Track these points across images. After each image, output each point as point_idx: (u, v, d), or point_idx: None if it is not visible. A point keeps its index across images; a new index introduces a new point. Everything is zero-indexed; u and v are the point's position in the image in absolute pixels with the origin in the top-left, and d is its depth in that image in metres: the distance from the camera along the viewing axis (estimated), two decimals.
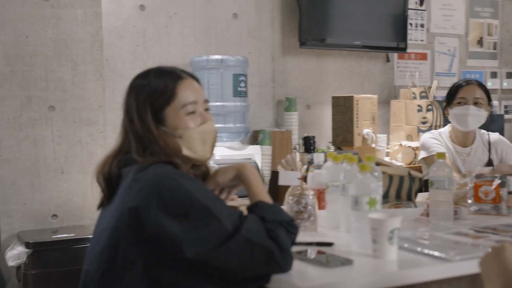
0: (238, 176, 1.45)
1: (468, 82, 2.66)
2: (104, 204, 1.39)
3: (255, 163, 2.95)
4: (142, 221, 1.20)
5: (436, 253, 1.38)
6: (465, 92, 2.62)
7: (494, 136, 2.75)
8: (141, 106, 1.35)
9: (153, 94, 1.36)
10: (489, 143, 2.70)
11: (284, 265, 1.24)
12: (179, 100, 1.37)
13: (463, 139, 2.69)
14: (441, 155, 1.81)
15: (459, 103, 2.61)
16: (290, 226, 1.31)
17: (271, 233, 1.25)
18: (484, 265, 1.05)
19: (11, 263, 2.64)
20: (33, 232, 2.87)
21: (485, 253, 1.07)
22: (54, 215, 3.02)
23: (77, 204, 3.07)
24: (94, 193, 3.06)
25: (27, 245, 2.68)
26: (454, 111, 2.62)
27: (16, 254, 2.68)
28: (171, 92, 1.37)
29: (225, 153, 3.09)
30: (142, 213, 1.21)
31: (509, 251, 1.01)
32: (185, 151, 1.37)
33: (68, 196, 3.05)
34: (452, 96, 2.66)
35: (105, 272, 1.25)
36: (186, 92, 1.39)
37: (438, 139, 2.69)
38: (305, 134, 3.75)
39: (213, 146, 1.44)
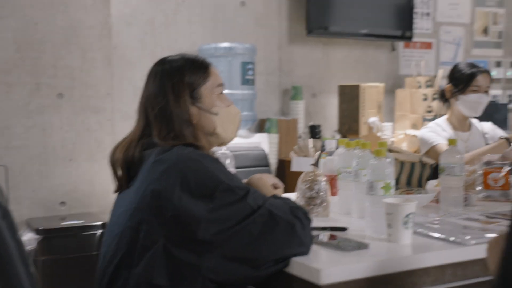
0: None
1: (481, 71, 2.67)
2: (122, 188, 1.40)
3: (263, 150, 2.96)
4: (165, 202, 1.22)
5: (451, 238, 1.40)
6: (481, 81, 2.65)
7: (488, 124, 2.80)
8: (177, 85, 1.37)
9: (190, 73, 1.39)
10: (483, 131, 2.76)
11: (305, 240, 1.26)
12: (213, 80, 1.42)
13: (462, 125, 2.74)
14: (452, 142, 1.83)
15: (475, 91, 2.63)
16: (307, 216, 1.33)
17: (293, 210, 1.28)
18: (489, 253, 1.05)
19: None
20: (41, 219, 2.89)
21: (489, 241, 1.07)
22: (62, 202, 3.04)
23: (85, 192, 3.09)
24: (102, 181, 3.08)
25: (37, 231, 2.71)
26: (468, 98, 2.64)
27: (26, 241, 2.70)
28: (206, 72, 1.42)
29: (233, 140, 3.10)
30: (165, 194, 1.22)
31: (495, 246, 1.00)
32: (219, 129, 1.42)
33: (76, 183, 3.07)
34: (467, 83, 2.65)
35: (125, 254, 1.27)
36: (216, 74, 1.45)
37: (435, 131, 2.71)
38: (311, 123, 3.77)
39: (238, 128, 1.49)
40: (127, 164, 1.37)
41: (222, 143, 1.48)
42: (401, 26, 4.04)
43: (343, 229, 1.53)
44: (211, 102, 1.42)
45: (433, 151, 2.61)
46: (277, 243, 1.24)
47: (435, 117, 3.76)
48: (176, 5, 3.38)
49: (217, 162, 1.31)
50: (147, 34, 3.28)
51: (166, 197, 1.22)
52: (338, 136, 3.69)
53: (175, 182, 1.23)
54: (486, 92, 2.65)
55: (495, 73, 4.58)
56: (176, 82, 1.38)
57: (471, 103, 2.63)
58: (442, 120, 2.77)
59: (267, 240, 1.23)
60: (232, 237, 1.21)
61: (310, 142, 1.74)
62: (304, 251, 1.27)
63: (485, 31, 4.62)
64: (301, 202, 1.72)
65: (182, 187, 1.22)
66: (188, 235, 1.21)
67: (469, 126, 2.75)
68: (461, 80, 2.67)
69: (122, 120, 3.17)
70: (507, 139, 2.54)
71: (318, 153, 1.75)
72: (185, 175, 1.23)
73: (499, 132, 2.75)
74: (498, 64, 4.67)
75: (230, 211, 1.22)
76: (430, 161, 1.88)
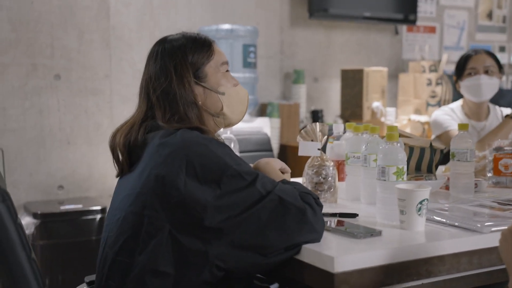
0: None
1: (476, 52, 2.60)
2: (124, 172, 1.35)
3: (266, 135, 2.90)
4: (170, 188, 1.17)
5: (465, 225, 1.35)
6: (475, 62, 2.56)
7: (507, 111, 2.71)
8: (180, 65, 1.31)
9: (193, 51, 1.33)
10: (503, 118, 2.66)
11: (317, 227, 1.21)
12: (218, 57, 1.36)
13: (477, 113, 2.64)
14: (463, 127, 1.77)
15: (470, 73, 2.55)
16: (318, 202, 1.28)
17: (303, 196, 1.23)
18: (501, 251, 1.01)
19: None
20: (39, 203, 2.84)
21: (502, 232, 1.03)
22: (60, 186, 2.99)
23: (83, 176, 3.03)
24: (100, 165, 3.03)
25: (35, 215, 2.66)
26: (465, 83, 2.56)
27: (23, 225, 2.65)
28: (210, 49, 1.36)
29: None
30: (170, 179, 1.17)
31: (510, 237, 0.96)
32: (226, 109, 1.36)
33: (74, 167, 3.01)
34: (462, 67, 2.60)
35: (128, 239, 1.22)
36: (220, 52, 1.39)
37: (450, 115, 2.63)
38: (313, 108, 3.71)
39: (246, 109, 1.43)
40: (128, 148, 1.31)
41: (229, 125, 1.42)
42: (405, 9, 3.96)
43: (353, 215, 1.48)
44: (217, 81, 1.36)
45: (446, 135, 2.53)
46: (288, 229, 1.19)
47: (438, 103, 3.71)
48: None
49: (223, 146, 1.25)
50: (145, 15, 3.20)
51: (171, 183, 1.17)
52: (340, 121, 3.63)
53: (180, 167, 1.17)
54: (487, 73, 2.55)
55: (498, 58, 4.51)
56: (179, 61, 1.32)
57: (469, 87, 2.55)
58: (456, 106, 2.69)
59: (277, 227, 1.18)
60: (240, 224, 1.16)
61: (317, 126, 1.68)
62: (316, 238, 1.22)
63: (489, 15, 4.55)
64: (308, 187, 1.67)
65: (188, 172, 1.17)
66: (195, 221, 1.16)
67: (486, 116, 2.65)
68: (459, 66, 2.61)
69: (121, 103, 3.11)
70: (511, 117, 2.47)
71: (325, 137, 1.69)
72: (191, 159, 1.18)
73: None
74: (502, 49, 4.61)
75: (238, 197, 1.17)
76: (440, 146, 1.83)
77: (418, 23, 4.11)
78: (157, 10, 3.23)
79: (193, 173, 1.17)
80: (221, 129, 1.50)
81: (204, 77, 1.34)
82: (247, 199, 1.17)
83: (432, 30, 4.33)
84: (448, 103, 3.05)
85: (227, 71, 1.40)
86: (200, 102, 1.33)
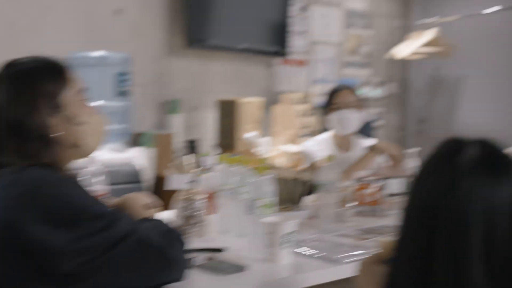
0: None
1: (340, 88, 2.79)
2: None
3: (134, 166, 2.82)
4: (18, 233, 1.06)
5: (326, 256, 1.39)
6: (339, 97, 2.74)
7: (371, 142, 2.90)
8: (31, 93, 1.18)
9: (47, 78, 1.20)
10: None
11: (178, 264, 1.18)
12: (74, 84, 1.24)
13: (343, 145, 2.80)
14: (330, 158, 1.86)
15: (335, 108, 2.72)
16: (180, 239, 1.25)
17: (165, 234, 1.19)
18: (359, 281, 1.04)
19: None
20: None
21: (362, 262, 1.07)
22: None
23: None
24: None
25: None
26: (331, 117, 2.72)
27: None
28: (65, 76, 1.23)
29: (106, 156, 2.91)
30: (18, 224, 1.06)
31: (368, 269, 1.00)
32: (84, 140, 1.24)
33: None
34: (328, 102, 2.76)
35: None
36: (77, 78, 1.26)
37: (319, 146, 2.77)
38: (189, 138, 3.70)
39: (103, 139, 1.34)
40: None
41: (84, 156, 1.31)
42: (278, 43, 4.13)
43: (218, 250, 1.47)
44: (74, 110, 1.23)
45: (314, 166, 2.64)
46: (148, 270, 1.14)
47: (309, 134, 3.88)
48: (44, 8, 3.12)
49: (78, 187, 1.17)
50: (9, 38, 2.98)
51: (19, 228, 1.06)
52: (217, 152, 3.65)
53: (29, 211, 1.07)
54: (351, 107, 2.71)
55: (363, 92, 4.85)
56: (31, 89, 1.19)
57: (334, 121, 2.72)
58: (326, 137, 2.82)
59: (137, 269, 1.13)
60: (99, 268, 1.08)
61: (187, 158, 1.67)
62: (178, 277, 1.18)
63: (355, 51, 4.90)
64: (178, 221, 1.63)
65: (38, 216, 1.06)
66: (49, 269, 1.06)
67: (351, 147, 2.79)
68: (326, 101, 2.78)
69: None
70: (372, 148, 2.63)
71: (197, 169, 1.68)
72: (42, 202, 1.08)
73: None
74: (366, 83, 4.97)
75: (96, 240, 1.09)
76: (306, 177, 1.90)
77: (290, 56, 4.30)
78: (22, 33, 3.03)
79: (45, 217, 1.07)
80: (84, 159, 1.40)
81: (60, 106, 1.21)
82: (105, 242, 1.10)
83: (303, 63, 4.55)
84: (319, 134, 3.20)
85: (85, 99, 1.29)
86: (55, 134, 1.21)
